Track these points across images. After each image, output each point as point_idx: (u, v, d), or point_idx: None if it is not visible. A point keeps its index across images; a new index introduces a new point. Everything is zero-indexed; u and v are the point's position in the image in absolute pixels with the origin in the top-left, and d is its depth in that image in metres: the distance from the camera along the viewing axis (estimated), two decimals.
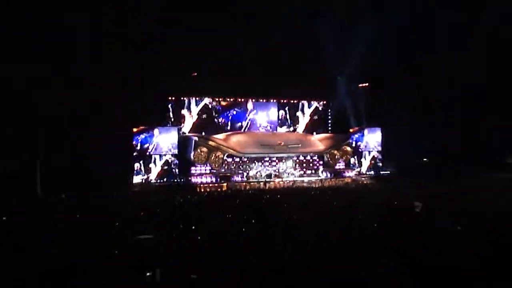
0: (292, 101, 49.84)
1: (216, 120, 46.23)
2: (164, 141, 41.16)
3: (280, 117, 49.30)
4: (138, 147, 40.39)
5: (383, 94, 49.53)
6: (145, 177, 40.28)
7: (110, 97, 37.63)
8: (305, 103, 50.34)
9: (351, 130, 49.92)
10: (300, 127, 50.00)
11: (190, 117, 44.75)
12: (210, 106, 45.99)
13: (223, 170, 42.23)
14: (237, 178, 41.84)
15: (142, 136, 40.75)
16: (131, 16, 39.47)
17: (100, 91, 37.48)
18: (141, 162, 40.36)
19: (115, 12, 38.40)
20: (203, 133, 43.80)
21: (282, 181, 42.40)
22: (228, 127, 46.63)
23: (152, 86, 41.07)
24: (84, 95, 37.04)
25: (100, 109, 37.34)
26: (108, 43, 38.44)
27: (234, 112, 47.27)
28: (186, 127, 44.62)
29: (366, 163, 50.34)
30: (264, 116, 48.46)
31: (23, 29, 35.63)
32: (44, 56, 36.17)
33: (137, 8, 39.43)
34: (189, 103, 44.98)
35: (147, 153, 40.52)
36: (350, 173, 46.78)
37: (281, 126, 49.32)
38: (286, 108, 49.76)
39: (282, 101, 49.35)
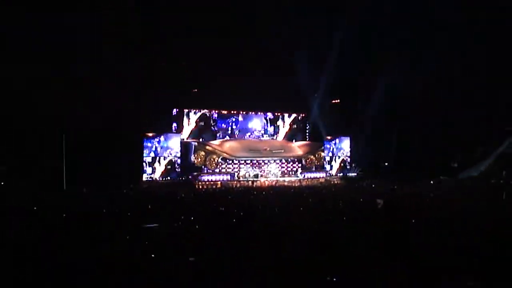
0: (275, 114, 49.89)
1: (212, 128, 46.12)
2: (168, 145, 40.94)
3: (265, 127, 49.33)
4: (147, 150, 40.05)
5: (351, 108, 50.17)
6: (152, 175, 40.09)
7: (125, 107, 37.12)
8: (286, 115, 50.42)
9: (328, 138, 50.16)
10: (282, 135, 50.13)
11: (188, 125, 44.60)
12: (207, 116, 45.84)
13: (217, 170, 42.18)
14: (229, 177, 41.86)
15: (151, 140, 40.42)
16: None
17: (119, 102, 36.68)
18: (149, 162, 40.07)
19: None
20: (201, 139, 43.94)
21: (267, 180, 42.55)
22: (222, 135, 46.54)
23: (159, 99, 40.87)
24: (103, 105, 36.29)
25: (115, 118, 36.88)
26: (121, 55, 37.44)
27: (228, 122, 47.20)
28: (186, 133, 44.45)
29: (336, 166, 50.59)
30: (252, 125, 48.46)
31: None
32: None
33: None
34: (189, 113, 44.83)
35: (154, 155, 40.23)
36: (323, 174, 47.10)
37: (266, 134, 49.30)
38: (270, 119, 49.75)
39: (267, 113, 49.37)
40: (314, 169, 47.33)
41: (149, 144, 40.23)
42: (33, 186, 30.00)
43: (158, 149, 40.46)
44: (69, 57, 35.85)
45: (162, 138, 40.83)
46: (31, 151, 34.13)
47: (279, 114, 50.09)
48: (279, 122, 50.30)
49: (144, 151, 40.01)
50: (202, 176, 40.21)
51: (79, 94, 35.58)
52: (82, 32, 35.88)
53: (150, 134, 40.29)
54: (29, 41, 34.05)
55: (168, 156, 40.83)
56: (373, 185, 38.06)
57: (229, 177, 41.63)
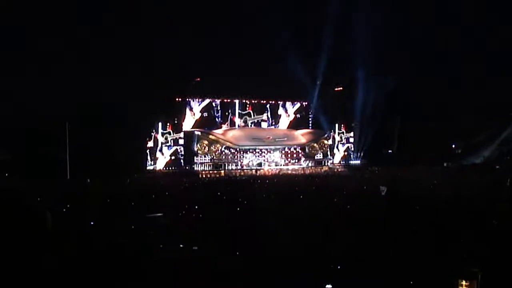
0: (279, 102, 49.44)
1: (215, 117, 45.72)
2: (172, 135, 40.77)
3: (269, 115, 48.96)
4: (152, 141, 39.92)
5: (355, 96, 49.69)
6: (157, 165, 40.02)
7: (129, 100, 36.95)
8: (290, 103, 50.00)
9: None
10: (285, 124, 49.78)
11: (192, 115, 44.26)
12: (210, 106, 45.41)
13: (221, 159, 42.12)
14: (233, 166, 41.80)
15: (155, 130, 40.30)
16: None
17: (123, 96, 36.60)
18: (153, 152, 39.96)
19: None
20: (205, 129, 43.63)
21: (270, 168, 42.48)
22: (225, 124, 46.11)
23: (162, 90, 40.58)
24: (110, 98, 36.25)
25: (122, 111, 36.73)
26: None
27: (231, 111, 46.75)
28: (190, 123, 44.04)
29: (339, 154, 50.33)
30: (256, 114, 48.08)
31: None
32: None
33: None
34: (192, 102, 44.46)
35: (159, 145, 40.10)
36: (327, 162, 46.99)
37: (270, 123, 48.94)
38: (274, 107, 49.36)
39: (271, 101, 48.98)
40: (317, 157, 47.17)
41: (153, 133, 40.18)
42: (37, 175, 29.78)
43: (162, 139, 40.41)
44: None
45: (166, 128, 40.66)
46: (35, 141, 34.05)
47: (283, 102, 49.69)
48: (282, 111, 49.98)
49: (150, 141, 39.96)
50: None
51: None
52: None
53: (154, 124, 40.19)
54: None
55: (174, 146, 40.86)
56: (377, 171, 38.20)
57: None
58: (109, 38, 38.48)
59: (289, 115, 50.03)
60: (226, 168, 41.64)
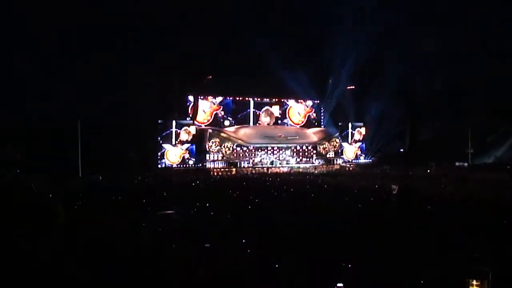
0: (290, 100, 49.35)
1: (227, 115, 45.75)
2: (184, 133, 40.81)
3: (281, 113, 48.90)
4: (164, 139, 40.06)
5: (367, 94, 49.50)
6: (168, 162, 40.13)
7: (141, 99, 37.16)
8: (302, 101, 49.89)
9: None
10: (297, 122, 49.67)
11: (204, 113, 44.33)
12: (222, 104, 45.47)
13: (233, 157, 42.19)
14: (244, 164, 41.91)
15: (167, 128, 40.42)
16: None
17: (136, 95, 36.81)
18: (165, 150, 40.08)
19: None
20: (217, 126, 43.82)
21: (282, 166, 42.53)
22: (237, 121, 46.14)
23: (174, 87, 40.77)
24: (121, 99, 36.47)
25: (135, 110, 36.98)
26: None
27: (243, 109, 46.81)
28: (201, 121, 44.04)
29: (351, 153, 50.17)
30: (267, 112, 48.00)
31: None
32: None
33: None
34: (204, 100, 44.55)
35: (171, 143, 40.21)
36: (339, 161, 46.93)
37: (281, 121, 48.89)
38: (286, 106, 49.33)
39: (283, 100, 48.93)
40: (329, 155, 47.07)
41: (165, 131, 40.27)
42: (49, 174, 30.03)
43: (174, 137, 40.46)
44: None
45: (178, 126, 40.73)
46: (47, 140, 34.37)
47: (294, 100, 49.59)
48: (294, 109, 49.85)
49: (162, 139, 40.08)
50: None
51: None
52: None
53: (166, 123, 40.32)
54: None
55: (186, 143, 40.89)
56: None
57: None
58: (120, 37, 38.62)
59: (300, 114, 49.98)
60: (241, 165, 41.62)
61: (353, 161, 49.65)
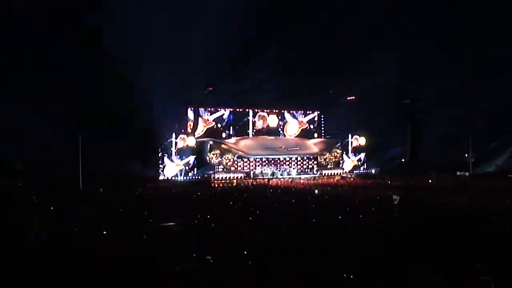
0: (291, 111, 49.46)
1: (227, 127, 45.86)
2: (180, 141, 40.74)
3: (281, 125, 48.98)
4: (165, 151, 40.06)
5: (368, 106, 49.48)
6: (169, 174, 40.07)
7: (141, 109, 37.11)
8: (302, 112, 49.97)
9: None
10: (298, 133, 49.69)
11: (204, 125, 44.43)
12: (223, 116, 45.61)
13: (233, 168, 42.18)
14: (245, 175, 41.92)
15: (168, 141, 40.40)
16: None
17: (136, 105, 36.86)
18: (165, 162, 40.04)
19: None
20: (217, 138, 43.83)
21: (282, 178, 42.47)
22: (237, 133, 46.18)
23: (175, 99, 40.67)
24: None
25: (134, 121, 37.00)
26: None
27: (243, 120, 46.88)
28: (201, 132, 44.14)
29: (352, 164, 50.05)
30: (268, 123, 48.13)
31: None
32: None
33: None
34: (204, 112, 44.64)
35: (172, 155, 40.17)
36: (339, 172, 46.81)
37: (282, 132, 48.92)
38: (286, 117, 49.38)
39: (283, 111, 49.03)
40: (329, 166, 47.00)
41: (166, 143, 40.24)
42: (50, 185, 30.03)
43: (174, 150, 40.41)
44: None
45: (179, 138, 40.62)
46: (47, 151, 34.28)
47: (295, 111, 49.68)
48: (294, 120, 49.92)
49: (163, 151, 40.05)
50: None
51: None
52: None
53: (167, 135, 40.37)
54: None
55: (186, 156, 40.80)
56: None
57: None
58: (121, 47, 38.51)
59: (301, 125, 50.00)
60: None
61: (353, 171, 49.48)
